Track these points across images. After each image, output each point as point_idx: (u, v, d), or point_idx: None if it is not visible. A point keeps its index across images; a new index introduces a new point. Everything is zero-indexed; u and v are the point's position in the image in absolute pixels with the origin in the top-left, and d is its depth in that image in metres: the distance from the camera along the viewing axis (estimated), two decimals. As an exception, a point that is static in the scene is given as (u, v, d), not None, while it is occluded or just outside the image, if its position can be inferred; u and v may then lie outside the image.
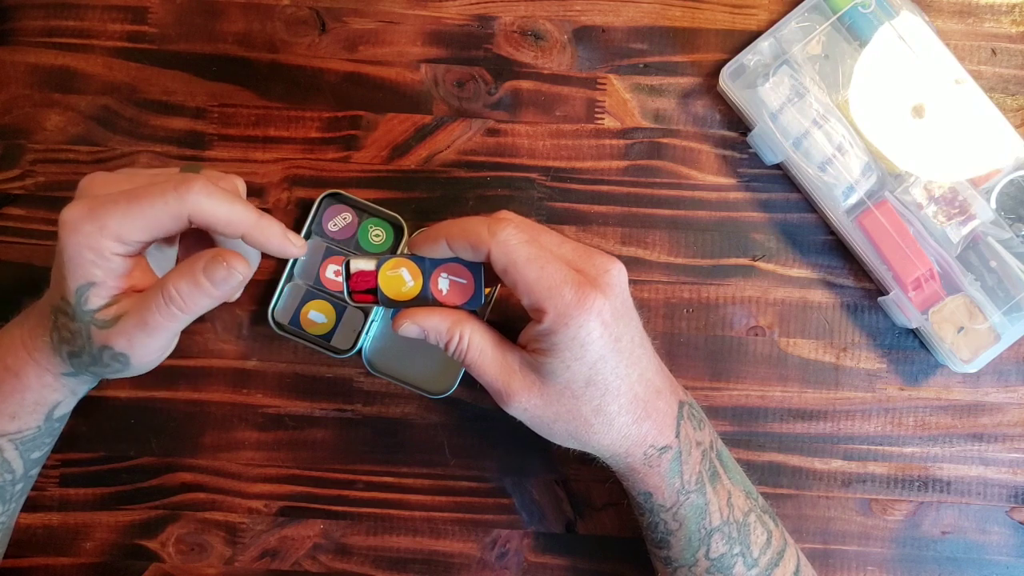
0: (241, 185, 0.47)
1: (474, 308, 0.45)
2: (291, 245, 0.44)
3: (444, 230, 0.43)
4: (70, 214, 0.40)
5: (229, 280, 0.42)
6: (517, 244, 0.41)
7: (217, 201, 0.41)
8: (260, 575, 0.53)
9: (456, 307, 0.44)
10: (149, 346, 0.43)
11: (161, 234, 0.41)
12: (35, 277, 0.53)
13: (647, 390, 0.44)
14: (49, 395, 0.45)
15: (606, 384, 0.43)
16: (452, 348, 0.44)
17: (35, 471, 0.48)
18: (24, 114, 0.54)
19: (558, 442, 0.45)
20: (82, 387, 0.47)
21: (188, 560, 0.53)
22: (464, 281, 0.44)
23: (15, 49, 0.54)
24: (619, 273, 0.43)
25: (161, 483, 0.53)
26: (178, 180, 0.41)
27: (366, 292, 0.45)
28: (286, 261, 0.52)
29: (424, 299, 0.44)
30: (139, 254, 0.43)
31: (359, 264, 0.44)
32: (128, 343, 0.42)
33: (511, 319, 0.53)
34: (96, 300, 0.41)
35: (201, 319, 0.53)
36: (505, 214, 0.43)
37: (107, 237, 0.40)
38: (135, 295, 0.42)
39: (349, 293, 0.45)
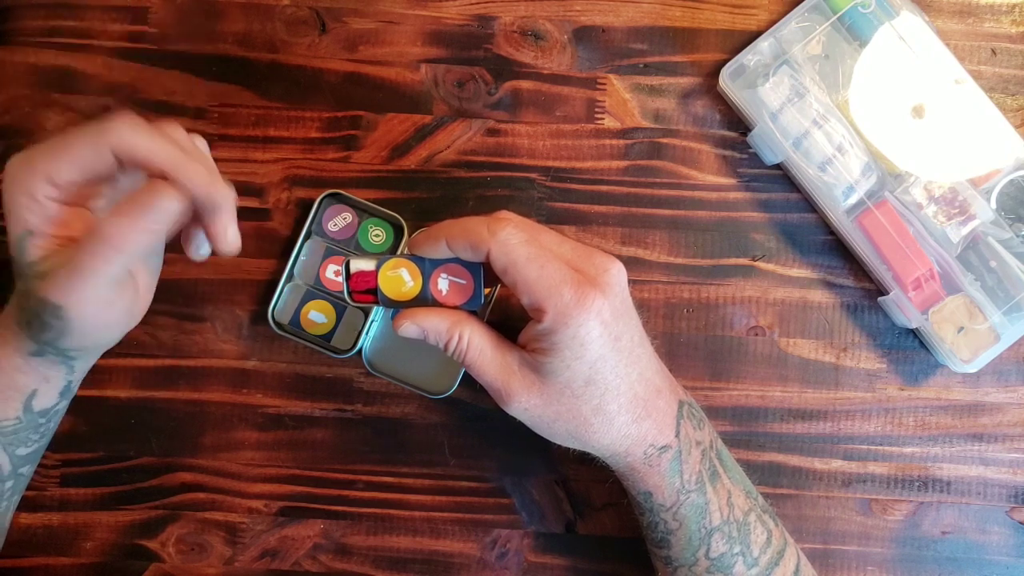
0: (200, 143, 0.44)
1: (474, 308, 0.45)
2: (218, 188, 0.40)
3: (444, 230, 0.43)
4: (10, 162, 0.40)
5: (163, 206, 0.38)
6: (517, 244, 0.41)
7: (138, 133, 0.39)
8: (260, 575, 0.53)
9: (456, 307, 0.44)
10: (86, 296, 0.40)
11: (90, 171, 0.39)
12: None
13: (647, 389, 0.44)
14: (20, 379, 0.43)
15: (606, 383, 0.43)
16: (452, 348, 0.44)
17: (26, 469, 0.47)
18: (24, 114, 0.54)
19: (558, 442, 0.45)
20: (53, 372, 0.44)
21: (188, 560, 0.53)
22: (464, 281, 0.44)
23: (15, 49, 0.54)
24: (619, 273, 0.43)
25: (161, 483, 0.53)
26: (102, 121, 0.39)
27: (366, 292, 0.45)
28: (286, 261, 0.52)
29: (424, 299, 0.44)
30: (77, 203, 0.41)
31: (359, 264, 0.44)
32: (62, 293, 0.39)
33: (511, 319, 0.53)
34: (35, 250, 0.40)
35: (201, 319, 0.53)
36: (505, 214, 0.43)
37: (38, 178, 0.39)
38: (70, 243, 0.41)
39: (349, 293, 0.45)
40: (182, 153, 0.40)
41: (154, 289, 0.46)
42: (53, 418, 0.47)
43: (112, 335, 0.45)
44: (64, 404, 0.47)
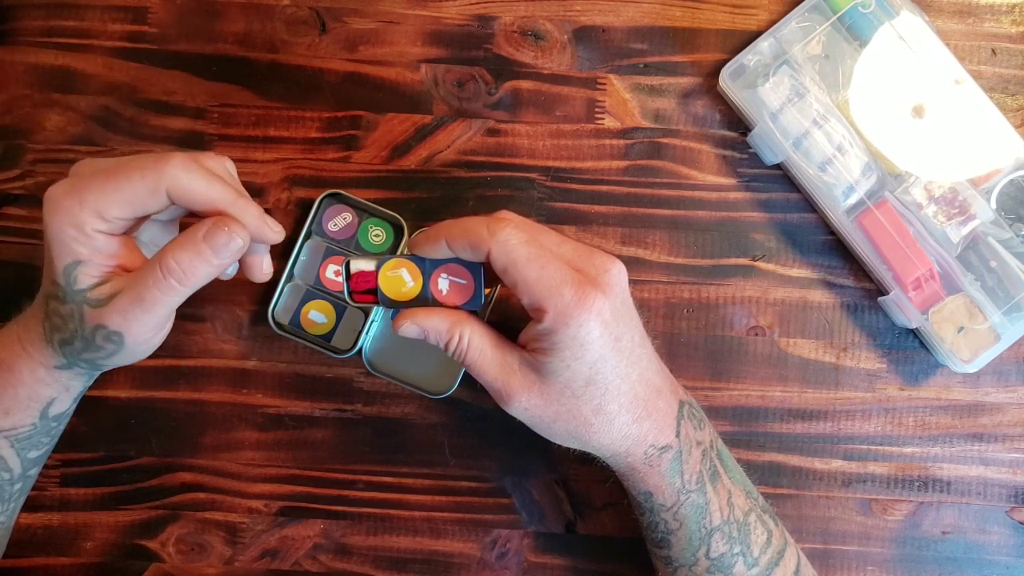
0: (230, 166, 0.46)
1: (474, 308, 0.45)
2: (268, 229, 0.43)
3: (444, 230, 0.43)
4: (52, 192, 0.41)
5: (230, 246, 0.41)
6: (517, 244, 0.41)
7: (194, 176, 0.40)
8: (260, 575, 0.53)
9: (456, 307, 0.44)
10: (145, 323, 0.42)
11: (141, 210, 0.41)
12: (35, 277, 0.53)
13: (647, 389, 0.44)
14: (42, 390, 0.45)
15: (606, 383, 0.43)
16: (452, 348, 0.44)
17: (34, 471, 0.48)
18: (24, 114, 0.54)
19: (558, 442, 0.45)
20: (76, 382, 0.46)
21: (188, 560, 0.53)
22: (464, 281, 0.44)
23: (15, 49, 0.54)
24: (619, 272, 0.43)
25: (161, 483, 0.53)
26: (157, 155, 0.40)
27: (366, 292, 0.45)
28: (286, 261, 0.52)
29: (424, 299, 0.44)
30: (125, 234, 0.42)
31: (359, 264, 0.44)
32: (123, 320, 0.41)
33: (511, 319, 0.53)
34: (86, 279, 0.41)
35: (201, 319, 0.53)
36: (505, 214, 0.43)
37: (87, 213, 0.40)
38: (128, 273, 0.42)
39: (349, 293, 0.45)
40: (236, 195, 0.42)
41: None
42: (63, 421, 0.48)
43: (151, 351, 0.46)
44: (74, 407, 0.48)
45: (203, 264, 0.41)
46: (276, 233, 0.44)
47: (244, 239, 0.41)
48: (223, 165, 0.45)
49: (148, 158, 0.41)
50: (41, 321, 0.43)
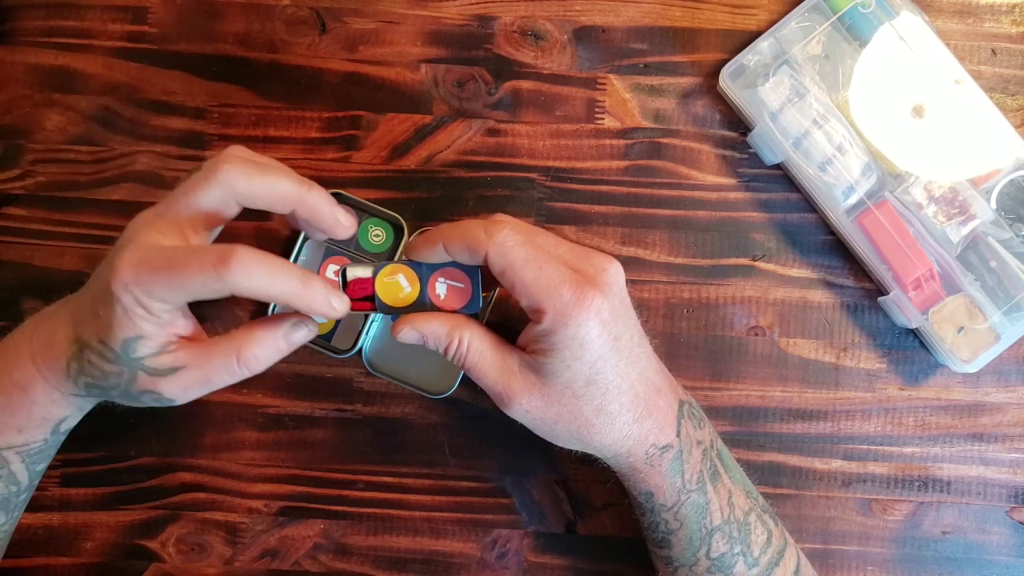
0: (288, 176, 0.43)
1: (472, 312, 0.45)
2: (333, 309, 0.42)
3: (440, 234, 0.43)
4: (121, 273, 0.38)
5: (307, 339, 0.43)
6: (514, 245, 0.41)
7: (258, 279, 0.39)
8: (260, 575, 0.53)
9: (454, 311, 0.44)
10: (199, 394, 0.42)
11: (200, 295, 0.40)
12: (35, 277, 0.53)
13: (647, 389, 0.44)
14: (56, 411, 0.44)
15: (607, 383, 0.43)
16: (452, 353, 0.44)
17: (37, 481, 0.48)
18: (24, 114, 0.54)
19: (560, 444, 0.45)
20: (89, 403, 0.46)
21: (188, 560, 0.53)
22: (462, 285, 0.44)
23: (15, 49, 0.54)
24: (616, 272, 0.43)
25: (161, 483, 0.53)
26: (217, 257, 0.38)
27: (363, 300, 0.44)
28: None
29: (422, 305, 0.44)
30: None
31: (355, 272, 0.44)
32: (182, 392, 0.41)
33: (510, 320, 0.53)
34: (144, 349, 0.40)
35: (201, 319, 0.53)
36: (501, 216, 0.43)
37: (154, 299, 0.39)
38: (189, 346, 0.41)
39: None
40: (299, 282, 0.40)
41: None
42: (70, 432, 0.47)
43: None
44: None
45: (272, 354, 0.42)
46: (347, 229, 0.43)
47: (313, 334, 0.43)
48: (275, 176, 0.42)
49: (208, 257, 0.38)
50: (67, 359, 0.42)
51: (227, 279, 0.38)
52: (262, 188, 0.41)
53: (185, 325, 0.42)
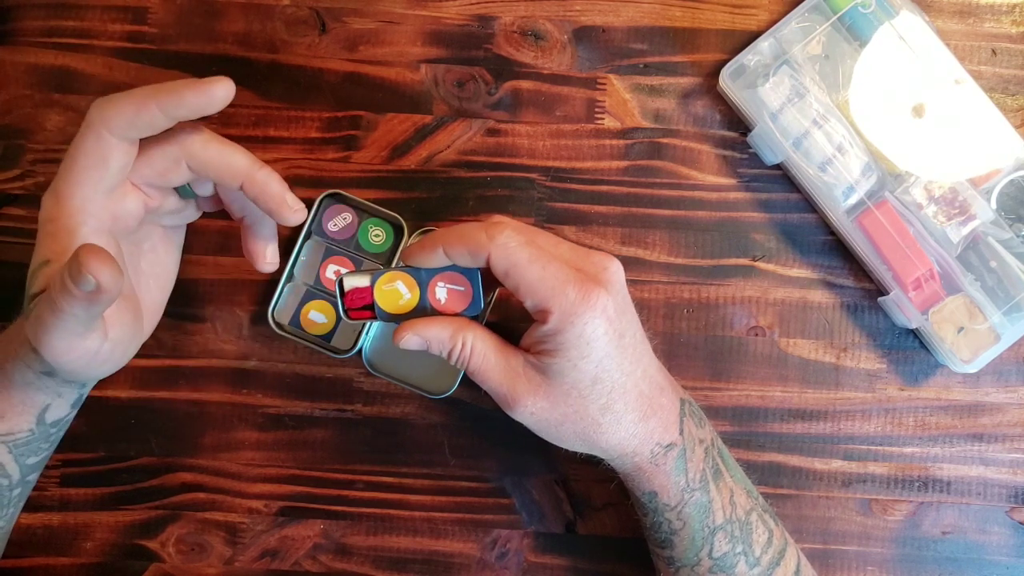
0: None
1: (474, 314, 0.44)
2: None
3: (440, 239, 0.43)
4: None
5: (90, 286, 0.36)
6: (517, 246, 0.41)
7: (118, 100, 0.40)
8: (260, 575, 0.53)
9: (456, 315, 0.44)
10: (50, 344, 0.38)
11: (112, 168, 0.41)
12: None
13: (651, 387, 0.44)
14: (34, 394, 0.44)
15: (612, 381, 0.43)
16: (455, 356, 0.43)
17: (33, 476, 0.47)
18: (24, 114, 0.54)
19: (565, 446, 0.45)
20: (66, 389, 0.45)
21: (188, 560, 0.53)
22: (462, 288, 0.44)
23: (15, 49, 0.54)
24: (617, 270, 0.43)
25: (161, 483, 0.53)
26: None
27: (363, 309, 0.44)
28: (286, 261, 0.52)
29: (423, 310, 0.44)
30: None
31: (353, 281, 0.44)
32: (33, 336, 0.39)
33: (511, 321, 0.53)
34: (35, 284, 0.40)
35: (201, 319, 0.53)
36: (500, 218, 0.43)
37: (67, 202, 0.40)
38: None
39: (345, 311, 0.44)
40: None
41: (158, 316, 0.48)
42: (63, 427, 0.47)
43: (101, 371, 0.43)
44: (74, 413, 0.47)
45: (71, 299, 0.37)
46: (295, 212, 0.43)
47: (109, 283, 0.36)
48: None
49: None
50: (25, 330, 0.41)
51: (93, 121, 0.40)
52: (217, 155, 0.41)
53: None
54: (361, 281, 0.44)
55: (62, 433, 0.48)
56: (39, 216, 0.41)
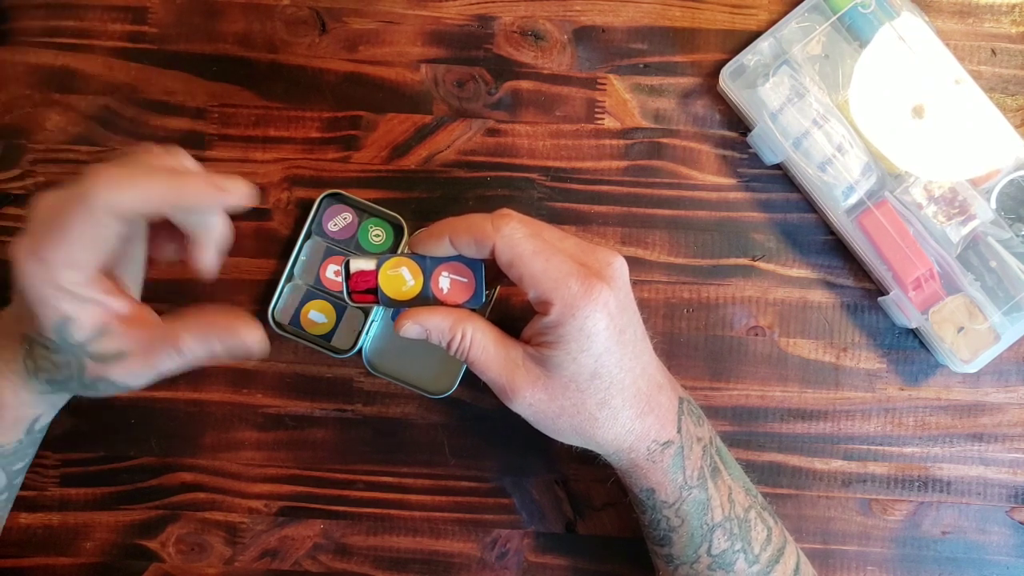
0: (187, 160, 0.42)
1: (475, 306, 0.45)
2: (220, 191, 0.39)
3: (447, 227, 0.43)
4: (15, 255, 0.38)
5: (241, 346, 0.41)
6: (522, 238, 0.41)
7: (123, 186, 0.37)
8: (260, 575, 0.53)
9: (457, 306, 0.44)
10: (150, 379, 0.41)
11: (105, 245, 0.38)
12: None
13: (649, 384, 0.44)
14: (28, 411, 0.44)
15: (611, 377, 0.43)
16: (455, 347, 0.44)
17: (19, 480, 0.47)
18: (24, 114, 0.54)
19: (562, 439, 0.45)
20: (60, 399, 0.45)
21: (188, 560, 0.53)
22: (465, 279, 0.44)
23: (15, 49, 0.54)
24: (621, 266, 0.43)
25: (161, 483, 0.53)
26: (80, 185, 0.37)
27: (366, 292, 0.44)
28: (286, 261, 0.52)
29: (425, 298, 0.44)
30: (102, 274, 0.40)
31: (359, 264, 0.44)
32: (131, 377, 0.41)
33: (512, 317, 0.53)
34: (81, 333, 0.39)
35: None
36: (506, 211, 0.43)
37: (58, 269, 0.38)
38: (132, 329, 0.40)
39: (349, 293, 0.45)
40: (168, 178, 0.39)
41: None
42: (47, 428, 0.47)
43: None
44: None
45: (207, 350, 0.41)
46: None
47: (258, 344, 0.41)
48: (178, 161, 0.42)
49: (72, 194, 0.37)
50: (22, 359, 0.41)
51: (95, 203, 0.37)
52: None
53: (121, 304, 0.40)
54: (367, 264, 0.44)
55: (44, 434, 0.47)
56: (30, 283, 0.38)
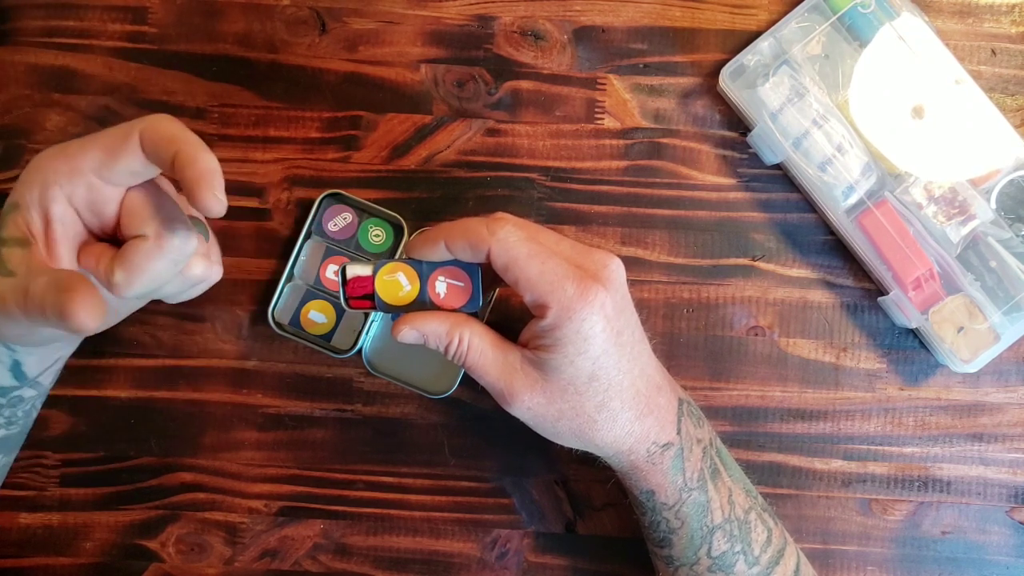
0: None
1: (473, 310, 0.45)
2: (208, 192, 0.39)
3: (442, 232, 0.43)
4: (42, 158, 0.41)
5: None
6: (517, 241, 0.41)
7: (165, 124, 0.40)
8: (260, 575, 0.53)
9: (455, 310, 0.44)
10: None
11: (130, 167, 0.41)
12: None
13: (648, 386, 0.44)
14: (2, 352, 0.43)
15: (609, 379, 0.43)
16: (452, 351, 0.44)
17: (5, 461, 0.47)
18: (24, 114, 0.54)
19: (561, 442, 0.45)
20: (31, 332, 0.43)
21: (188, 560, 0.53)
22: (462, 284, 0.44)
23: (15, 49, 0.54)
24: (618, 268, 0.43)
25: (161, 483, 0.53)
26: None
27: (363, 298, 0.44)
28: (286, 261, 0.52)
29: (422, 303, 0.44)
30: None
31: (355, 270, 0.44)
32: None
33: (510, 320, 0.53)
34: (13, 230, 0.40)
35: (201, 319, 0.53)
36: (502, 215, 0.43)
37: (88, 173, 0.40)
38: (41, 261, 0.40)
39: (346, 299, 0.44)
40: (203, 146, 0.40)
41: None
42: (18, 405, 0.46)
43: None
44: (29, 392, 0.46)
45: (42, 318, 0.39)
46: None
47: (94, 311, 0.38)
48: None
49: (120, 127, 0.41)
50: None
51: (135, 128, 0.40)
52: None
53: (65, 250, 0.41)
54: (363, 270, 0.44)
55: (22, 415, 0.47)
56: (36, 157, 0.41)
